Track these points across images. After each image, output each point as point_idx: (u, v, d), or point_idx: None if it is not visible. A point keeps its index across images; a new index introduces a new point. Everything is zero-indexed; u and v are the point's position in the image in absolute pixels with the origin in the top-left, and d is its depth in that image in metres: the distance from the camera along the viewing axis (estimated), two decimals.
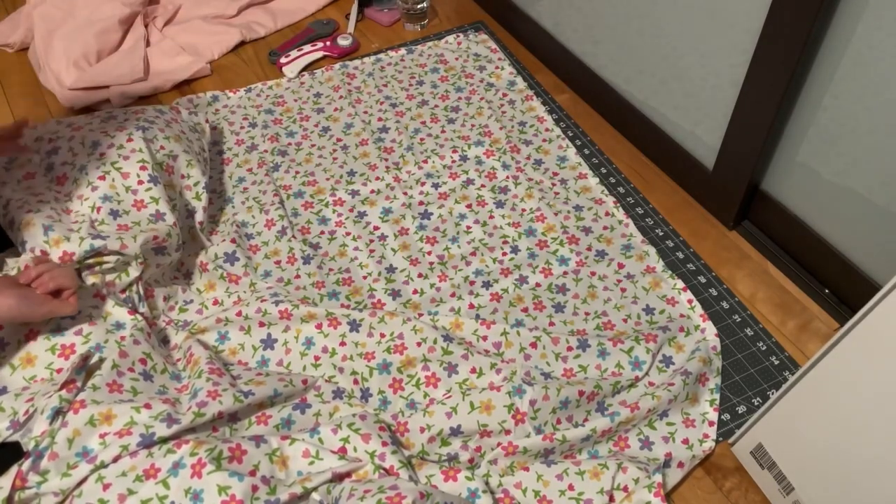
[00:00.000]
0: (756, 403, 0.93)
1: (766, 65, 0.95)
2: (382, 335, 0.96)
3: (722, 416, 0.93)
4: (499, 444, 0.86)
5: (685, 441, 0.89)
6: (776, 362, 0.98)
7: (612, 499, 0.82)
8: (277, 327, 0.97)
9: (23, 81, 1.44)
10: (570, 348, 0.97)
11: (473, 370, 0.93)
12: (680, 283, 1.06)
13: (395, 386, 0.93)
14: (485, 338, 0.97)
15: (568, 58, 1.37)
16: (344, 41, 1.49)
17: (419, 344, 0.94)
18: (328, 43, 1.49)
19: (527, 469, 0.85)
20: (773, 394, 0.94)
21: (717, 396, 0.93)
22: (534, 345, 0.96)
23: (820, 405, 0.72)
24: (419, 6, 1.52)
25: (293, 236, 1.12)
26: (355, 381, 0.94)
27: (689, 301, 1.03)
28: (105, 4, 1.46)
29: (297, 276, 1.07)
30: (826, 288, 1.05)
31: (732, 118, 1.04)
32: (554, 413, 0.87)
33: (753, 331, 1.01)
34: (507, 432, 0.86)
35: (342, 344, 0.96)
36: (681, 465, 0.87)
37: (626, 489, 0.82)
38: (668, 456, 0.88)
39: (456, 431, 0.86)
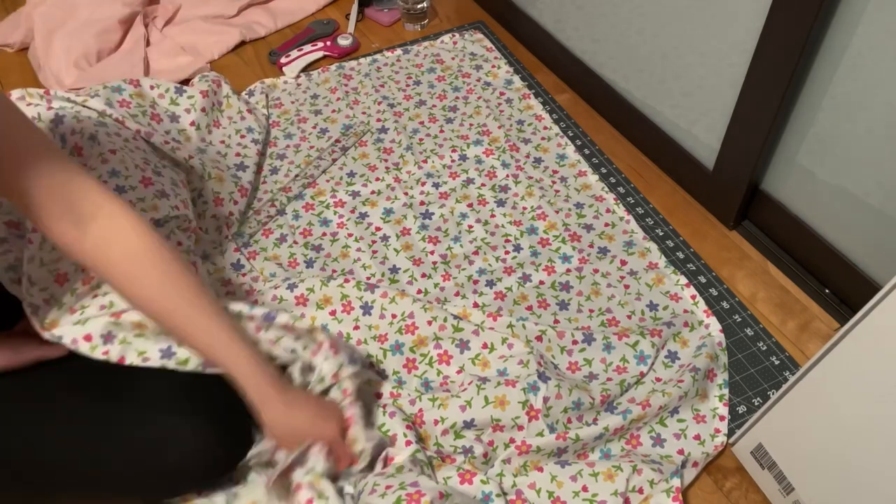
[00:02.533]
0: (756, 403, 0.94)
1: (766, 65, 0.95)
2: (394, 315, 0.97)
3: None
4: (512, 441, 0.87)
5: (696, 437, 0.90)
6: (776, 362, 0.98)
7: (627, 501, 0.82)
8: (292, 315, 0.98)
9: (23, 81, 1.44)
10: (575, 342, 0.97)
11: (485, 345, 0.95)
12: (683, 279, 1.06)
13: (409, 366, 0.95)
14: (491, 329, 0.98)
15: (568, 57, 1.37)
16: (344, 41, 1.49)
17: (430, 322, 0.96)
18: (328, 43, 1.49)
19: (540, 469, 0.85)
20: (773, 394, 0.94)
21: (725, 391, 0.94)
22: (539, 338, 0.97)
23: (820, 405, 0.72)
24: (419, 6, 1.52)
25: (294, 241, 1.13)
26: (371, 365, 0.95)
27: (693, 297, 1.04)
28: (105, 4, 1.46)
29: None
30: (826, 288, 1.06)
31: (732, 118, 1.05)
32: (565, 412, 0.87)
33: (754, 331, 1.01)
34: (520, 428, 0.87)
35: (356, 328, 0.97)
36: (695, 464, 0.88)
37: (641, 491, 0.82)
38: (681, 453, 0.88)
39: (469, 424, 0.87)
